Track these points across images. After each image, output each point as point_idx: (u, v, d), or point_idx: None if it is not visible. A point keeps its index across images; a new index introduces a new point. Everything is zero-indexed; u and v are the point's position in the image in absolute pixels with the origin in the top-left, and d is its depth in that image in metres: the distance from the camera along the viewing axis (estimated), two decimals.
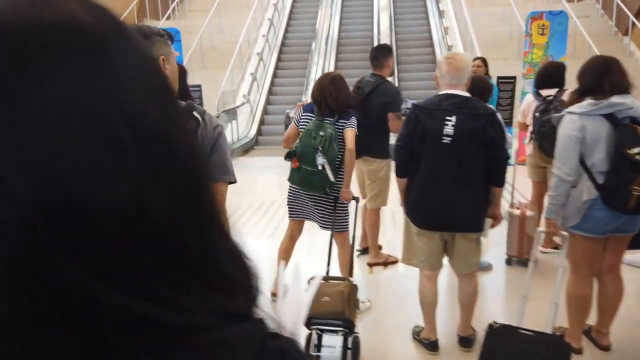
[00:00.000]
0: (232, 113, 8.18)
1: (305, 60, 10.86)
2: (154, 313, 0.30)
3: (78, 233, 0.28)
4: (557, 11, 6.14)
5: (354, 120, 2.98)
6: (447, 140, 2.34)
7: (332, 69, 10.42)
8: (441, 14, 10.81)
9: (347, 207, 3.05)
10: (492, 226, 2.49)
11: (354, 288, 2.49)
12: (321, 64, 10.30)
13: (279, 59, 11.09)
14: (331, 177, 2.86)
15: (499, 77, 6.43)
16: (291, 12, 12.71)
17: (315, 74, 9.99)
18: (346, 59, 10.82)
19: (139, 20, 13.56)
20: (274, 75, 10.65)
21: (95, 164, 0.29)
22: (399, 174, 2.55)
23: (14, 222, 0.27)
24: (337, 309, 2.33)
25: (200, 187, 0.35)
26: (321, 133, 2.86)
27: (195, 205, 0.34)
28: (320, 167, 2.84)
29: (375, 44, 11.28)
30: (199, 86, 7.23)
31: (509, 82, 6.30)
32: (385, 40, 10.80)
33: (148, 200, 0.31)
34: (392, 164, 3.65)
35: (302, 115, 3.07)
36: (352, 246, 3.14)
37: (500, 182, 2.43)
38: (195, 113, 1.54)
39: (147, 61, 0.35)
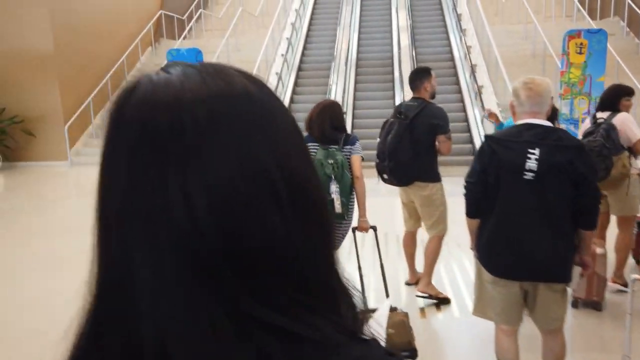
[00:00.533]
0: None
1: (324, 78, 10.66)
2: (299, 330, 0.36)
3: (244, 263, 0.36)
4: (595, 29, 5.88)
5: (358, 145, 2.99)
6: (529, 175, 2.05)
7: (351, 89, 10.20)
8: (463, 32, 10.59)
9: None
10: (582, 275, 2.17)
11: (407, 315, 2.58)
12: (341, 84, 10.09)
13: (297, 77, 10.91)
14: (338, 208, 2.85)
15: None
16: (309, 31, 12.58)
17: (335, 94, 9.78)
18: (366, 80, 10.61)
19: (156, 40, 13.53)
20: (293, 93, 10.46)
21: (258, 209, 0.37)
22: (470, 214, 2.25)
23: (204, 251, 0.35)
24: (404, 339, 2.40)
25: (328, 225, 0.42)
26: (330, 161, 2.85)
27: (325, 241, 0.41)
28: (332, 196, 2.82)
29: (396, 63, 11.14)
30: None
31: None
32: (405, 59, 10.60)
33: (294, 239, 0.38)
34: (444, 187, 3.42)
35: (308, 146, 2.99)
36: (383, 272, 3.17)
37: (592, 225, 2.12)
38: None
39: (292, 122, 0.43)
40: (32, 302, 3.78)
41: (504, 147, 2.15)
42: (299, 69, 11.18)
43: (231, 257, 0.35)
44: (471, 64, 9.59)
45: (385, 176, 3.40)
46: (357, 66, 10.83)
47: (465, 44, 10.19)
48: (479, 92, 8.87)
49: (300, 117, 8.39)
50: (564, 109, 5.86)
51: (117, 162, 0.39)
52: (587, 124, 3.66)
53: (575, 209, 2.06)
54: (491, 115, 4.80)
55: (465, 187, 2.25)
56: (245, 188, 0.36)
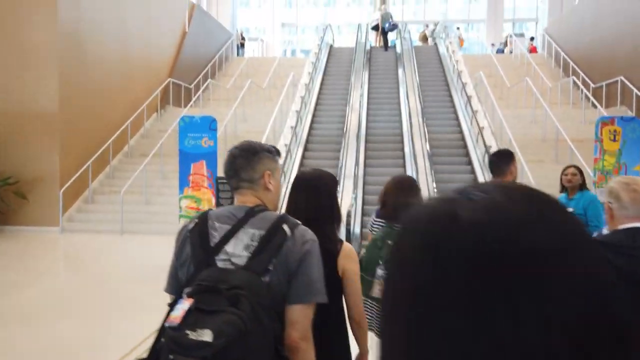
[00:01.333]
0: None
1: (333, 152, 10.43)
2: None
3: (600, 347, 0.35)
4: (629, 117, 5.72)
5: None
6: None
7: (361, 165, 9.92)
8: (475, 113, 10.57)
9: None
10: None
11: None
12: (351, 159, 9.83)
13: (305, 149, 10.67)
14: (377, 293, 2.55)
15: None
16: (317, 105, 12.55)
17: (345, 167, 9.49)
18: (376, 156, 10.40)
19: (162, 106, 13.43)
20: (301, 165, 10.15)
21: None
22: None
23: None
24: None
25: None
26: (389, 242, 2.60)
27: None
28: (375, 279, 2.56)
29: (406, 139, 11.00)
30: None
31: None
32: (416, 137, 10.45)
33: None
34: None
35: (375, 221, 2.95)
36: None
37: None
38: (285, 226, 1.44)
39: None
40: None
41: (617, 254, 1.80)
42: (307, 141, 10.98)
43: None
44: (485, 145, 9.42)
45: None
46: (367, 141, 10.66)
47: (478, 124, 10.09)
48: None
49: None
50: (599, 197, 5.52)
51: (452, 296, 0.35)
52: None
53: None
54: None
55: None
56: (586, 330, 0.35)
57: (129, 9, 11.74)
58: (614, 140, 5.60)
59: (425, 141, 10.05)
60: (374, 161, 10.15)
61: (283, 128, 11.15)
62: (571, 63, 14.68)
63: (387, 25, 17.44)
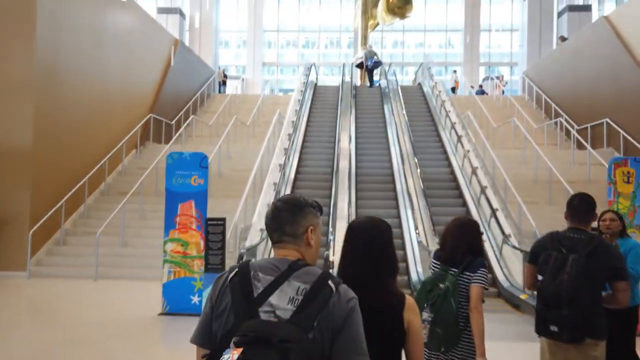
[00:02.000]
0: (251, 252, 6.98)
1: (322, 189, 10.02)
2: None
3: None
4: None
5: (482, 273, 2.61)
6: None
7: (353, 205, 9.52)
8: (467, 153, 10.39)
9: None
10: None
11: None
12: (342, 200, 9.43)
13: (294, 187, 10.24)
14: (425, 337, 2.48)
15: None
16: (304, 142, 12.22)
17: (337, 209, 9.07)
18: (367, 197, 10.04)
19: (142, 143, 12.89)
20: None
21: None
22: None
23: None
24: None
25: None
26: (441, 285, 2.60)
27: None
28: (425, 323, 2.54)
29: (396, 175, 10.71)
30: (223, 219, 6.12)
31: None
32: (407, 174, 10.17)
33: None
34: None
35: (433, 262, 2.83)
36: None
37: None
38: (330, 282, 1.41)
39: None
40: None
41: None
42: (295, 179, 10.58)
43: None
44: (480, 185, 9.17)
45: (553, 328, 2.58)
46: (358, 181, 10.31)
47: (471, 164, 9.88)
48: (494, 215, 8.31)
49: None
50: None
51: None
52: None
53: None
54: None
55: None
56: None
57: (109, 43, 11.35)
58: (628, 182, 5.38)
59: (418, 178, 9.78)
60: (366, 202, 9.78)
61: (270, 166, 10.72)
62: (553, 105, 14.87)
63: (370, 61, 17.57)
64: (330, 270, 5.01)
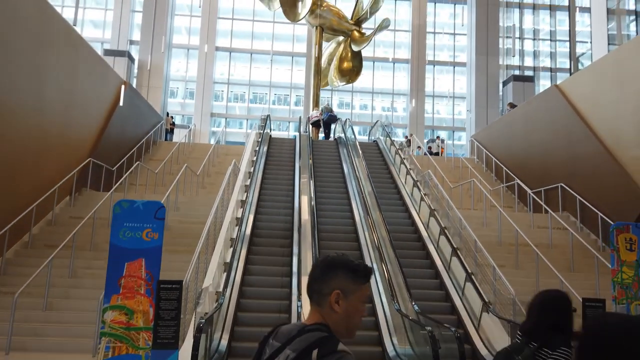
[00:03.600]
0: (210, 321, 5.93)
1: (282, 248, 9.18)
2: None
3: None
4: None
5: (561, 353, 2.38)
6: None
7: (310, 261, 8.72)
8: (434, 212, 10.00)
9: None
10: None
11: None
12: (305, 257, 8.63)
13: (251, 243, 9.31)
14: None
15: (584, 300, 5.04)
16: (260, 194, 11.41)
17: (298, 266, 8.25)
18: (330, 247, 9.28)
19: (77, 190, 11.55)
20: (247, 263, 8.73)
21: None
22: None
23: None
24: None
25: None
26: (516, 357, 2.51)
27: None
28: None
29: (359, 230, 10.09)
30: (180, 282, 5.12)
31: (596, 307, 4.93)
32: (372, 233, 9.58)
33: None
34: None
35: (518, 333, 2.70)
36: None
37: None
38: (315, 351, 1.38)
39: None
40: None
41: None
42: (253, 234, 9.68)
43: None
44: (452, 245, 8.71)
45: None
46: (320, 238, 9.58)
47: (440, 224, 9.46)
48: (470, 280, 7.79)
49: (256, 292, 6.53)
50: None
51: None
52: None
53: None
54: None
55: None
56: None
57: (50, 79, 10.24)
58: (631, 249, 5.04)
59: (385, 229, 9.21)
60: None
61: (224, 218, 9.77)
62: (504, 168, 15.12)
63: (326, 115, 17.54)
64: None
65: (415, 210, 10.94)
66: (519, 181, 13.54)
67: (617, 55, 10.82)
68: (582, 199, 11.40)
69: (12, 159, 9.00)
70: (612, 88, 10.60)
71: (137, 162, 12.98)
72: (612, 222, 10.23)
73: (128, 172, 12.03)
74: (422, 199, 10.81)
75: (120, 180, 11.69)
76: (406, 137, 22.89)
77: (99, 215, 9.63)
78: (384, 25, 18.90)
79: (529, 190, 12.84)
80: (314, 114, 18.13)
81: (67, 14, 27.29)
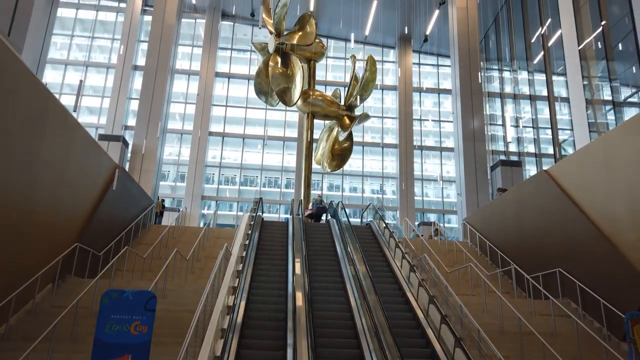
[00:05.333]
0: None
1: (276, 340, 8.67)
2: None
3: None
4: None
5: None
6: None
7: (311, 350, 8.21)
8: (432, 298, 9.65)
9: None
10: None
11: None
12: (300, 346, 8.12)
13: (242, 336, 8.79)
14: None
15: None
16: (252, 280, 11.01)
17: (293, 357, 7.72)
18: (326, 344, 8.79)
19: (61, 276, 11.07)
20: (237, 357, 8.16)
21: None
22: None
23: None
24: None
25: None
26: None
27: None
28: None
29: (356, 315, 9.61)
30: None
31: None
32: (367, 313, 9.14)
33: None
34: None
35: None
36: None
37: None
38: None
39: None
40: None
41: None
42: (244, 324, 9.18)
43: None
44: (456, 336, 8.29)
45: None
46: (315, 325, 9.10)
47: (440, 312, 9.10)
48: None
49: None
50: None
51: None
52: None
53: None
54: None
55: None
56: None
57: (42, 161, 10.14)
58: None
59: (383, 315, 8.78)
60: (326, 350, 8.50)
61: (215, 306, 9.30)
62: (499, 253, 14.95)
63: (316, 207, 17.80)
64: None
65: (413, 296, 10.58)
66: (515, 266, 13.33)
67: (604, 142, 11.15)
68: (581, 285, 11.16)
69: None
70: (602, 173, 10.80)
71: (126, 247, 12.61)
72: (615, 309, 9.97)
73: (115, 258, 11.63)
74: (420, 285, 10.49)
75: (107, 267, 11.26)
76: (434, 223, 22.81)
77: (82, 304, 9.13)
78: (362, 119, 19.84)
79: (527, 276, 12.61)
80: (309, 207, 18.58)
81: (65, 101, 27.99)
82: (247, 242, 12.35)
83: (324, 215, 18.35)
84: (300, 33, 19.78)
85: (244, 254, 11.65)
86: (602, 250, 10.58)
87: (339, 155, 20.66)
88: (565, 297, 11.86)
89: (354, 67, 20.01)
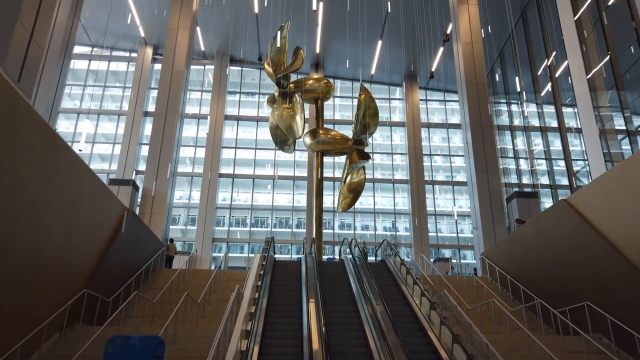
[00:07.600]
0: None
1: None
2: None
3: None
4: None
5: None
6: None
7: None
8: (455, 337, 9.12)
9: None
10: None
11: None
12: None
13: None
14: None
15: None
16: (266, 324, 10.56)
17: None
18: None
19: (68, 325, 10.71)
20: None
21: None
22: None
23: None
24: None
25: None
26: None
27: None
28: None
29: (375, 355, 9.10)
30: None
31: None
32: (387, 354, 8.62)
33: None
34: None
35: None
36: None
37: None
38: None
39: None
40: None
41: None
42: None
43: None
44: None
45: None
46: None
47: (466, 352, 8.56)
48: None
49: None
50: None
51: None
52: None
53: None
54: None
55: None
56: None
57: (52, 206, 9.99)
58: None
59: (405, 356, 8.24)
60: None
61: (227, 352, 8.86)
62: (521, 287, 14.35)
63: (326, 259, 17.60)
64: None
65: (435, 335, 10.04)
66: (541, 301, 12.72)
67: (624, 168, 10.80)
68: (612, 318, 10.55)
69: (1, 296, 8.39)
70: (624, 200, 10.40)
71: (135, 292, 12.27)
72: None
73: (124, 303, 11.28)
74: (442, 323, 9.97)
75: (116, 313, 10.90)
76: (474, 269, 22.24)
77: (90, 353, 8.74)
78: (360, 164, 19.99)
79: (554, 311, 11.99)
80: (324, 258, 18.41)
81: (77, 148, 28.26)
82: (259, 283, 11.96)
83: (339, 251, 17.95)
84: (294, 65, 20.14)
85: (256, 296, 11.25)
86: (632, 280, 10.05)
87: (353, 191, 20.41)
88: (596, 332, 11.21)
89: (360, 98, 20.09)
